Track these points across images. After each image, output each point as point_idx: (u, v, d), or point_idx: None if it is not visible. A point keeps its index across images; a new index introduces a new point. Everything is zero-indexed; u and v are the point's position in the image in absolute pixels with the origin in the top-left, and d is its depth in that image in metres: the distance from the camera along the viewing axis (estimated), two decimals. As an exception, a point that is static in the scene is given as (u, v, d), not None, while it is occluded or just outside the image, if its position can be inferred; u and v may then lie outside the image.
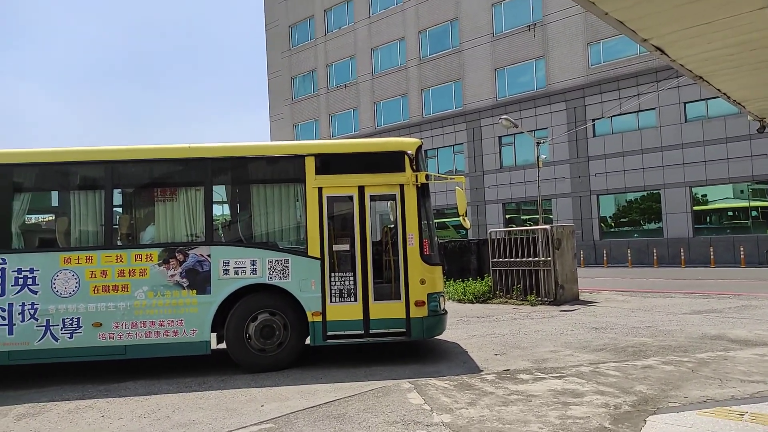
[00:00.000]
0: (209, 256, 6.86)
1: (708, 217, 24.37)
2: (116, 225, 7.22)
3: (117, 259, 6.78)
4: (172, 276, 6.79)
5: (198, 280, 6.80)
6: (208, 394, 5.93)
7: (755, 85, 6.65)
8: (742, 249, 21.54)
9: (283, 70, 42.06)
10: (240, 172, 7.58)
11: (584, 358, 6.92)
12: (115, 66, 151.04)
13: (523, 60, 29.05)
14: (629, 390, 5.39)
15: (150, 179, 7.45)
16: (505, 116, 21.81)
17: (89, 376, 7.01)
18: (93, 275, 6.71)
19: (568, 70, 27.23)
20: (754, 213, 23.03)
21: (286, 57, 41.75)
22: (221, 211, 7.81)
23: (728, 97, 7.31)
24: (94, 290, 6.70)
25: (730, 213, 23.93)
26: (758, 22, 4.52)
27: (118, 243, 7.10)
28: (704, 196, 24.05)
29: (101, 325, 6.66)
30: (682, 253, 22.99)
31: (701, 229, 23.94)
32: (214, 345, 7.06)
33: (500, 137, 29.74)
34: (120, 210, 7.43)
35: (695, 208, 23.95)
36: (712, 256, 22.03)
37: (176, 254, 6.83)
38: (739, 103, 7.71)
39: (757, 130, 8.91)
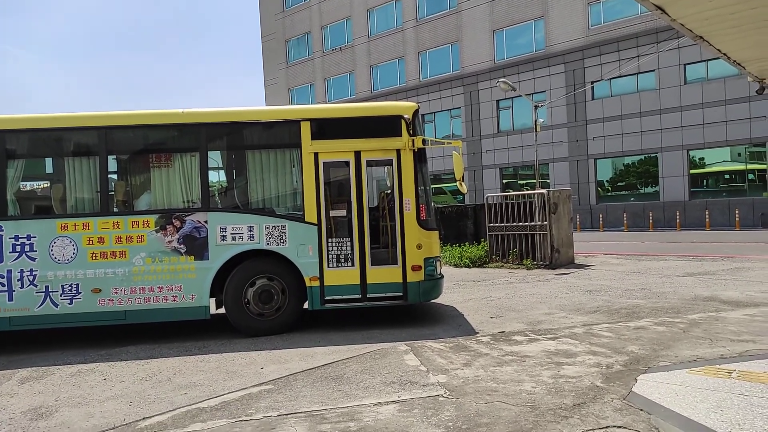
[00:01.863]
0: (206, 222, 6.86)
1: (704, 181, 24.40)
2: (112, 191, 7.19)
3: (114, 226, 6.78)
4: (170, 242, 6.80)
5: (195, 246, 6.83)
6: (209, 358, 6.03)
7: (756, 45, 6.56)
8: (737, 212, 21.65)
9: (277, 32, 41.18)
10: (235, 138, 7.51)
11: (578, 320, 7.03)
12: (108, 33, 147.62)
13: (521, 21, 28.49)
14: (621, 350, 5.50)
15: (145, 145, 7.39)
16: (502, 79, 21.57)
17: (90, 342, 7.10)
18: (90, 242, 6.73)
19: (568, 31, 26.75)
20: (750, 176, 23.07)
21: (279, 19, 40.82)
22: (217, 177, 7.78)
23: (728, 58, 7.22)
24: (92, 256, 6.72)
25: (727, 176, 23.95)
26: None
27: (115, 210, 7.09)
28: (701, 159, 24.02)
29: (100, 290, 6.71)
30: (678, 217, 23.11)
31: (697, 192, 24.00)
32: (213, 310, 7.14)
33: (498, 101, 29.44)
34: (116, 176, 7.39)
35: (692, 171, 23.96)
36: (707, 219, 22.16)
37: (173, 220, 6.83)
38: (739, 64, 7.62)
39: (756, 91, 8.84)
